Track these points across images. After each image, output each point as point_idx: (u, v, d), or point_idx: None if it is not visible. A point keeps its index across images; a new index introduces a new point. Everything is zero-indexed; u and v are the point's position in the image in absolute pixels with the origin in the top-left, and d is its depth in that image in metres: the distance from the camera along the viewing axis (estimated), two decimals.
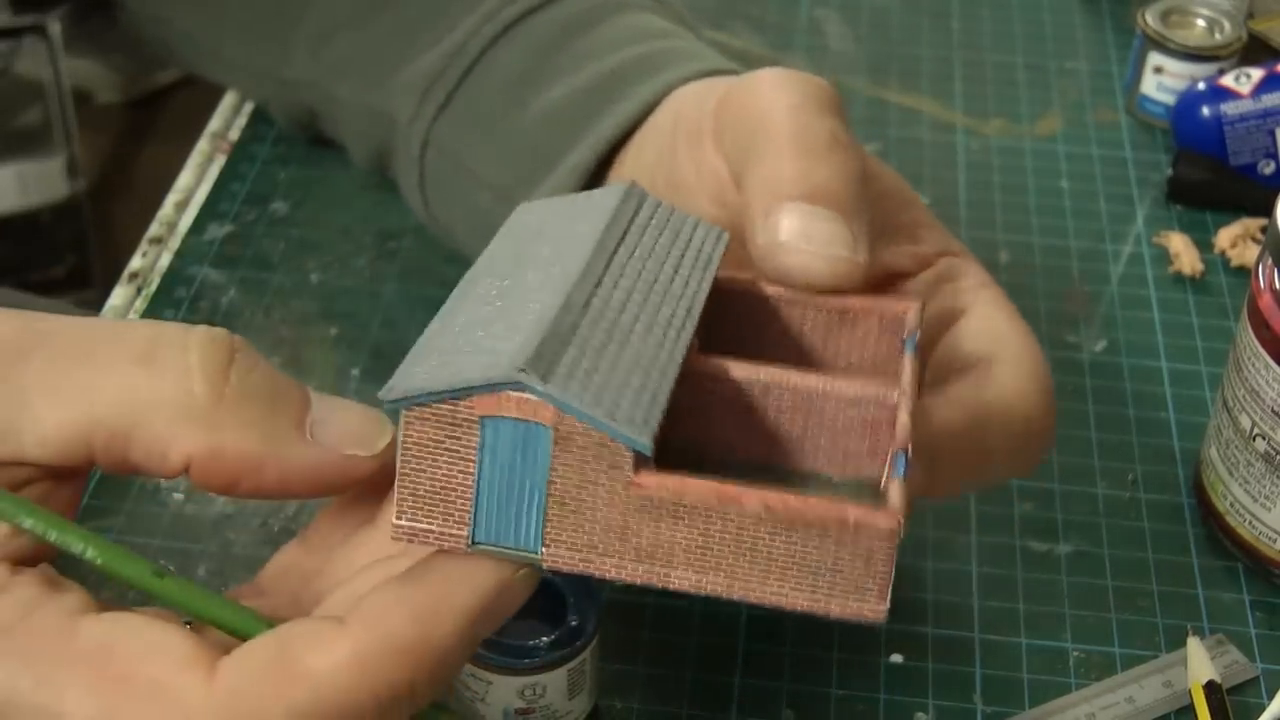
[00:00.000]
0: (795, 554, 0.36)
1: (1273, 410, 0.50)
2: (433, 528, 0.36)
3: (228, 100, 0.74)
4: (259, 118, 0.73)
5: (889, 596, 0.36)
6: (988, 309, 0.46)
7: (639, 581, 0.36)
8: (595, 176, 0.54)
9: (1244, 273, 0.66)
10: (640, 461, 0.35)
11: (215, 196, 0.69)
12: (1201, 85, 0.72)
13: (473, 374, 0.35)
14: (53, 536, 0.35)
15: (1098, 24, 0.84)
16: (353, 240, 0.67)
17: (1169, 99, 0.74)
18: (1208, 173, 0.71)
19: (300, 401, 0.37)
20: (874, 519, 0.35)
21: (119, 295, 0.64)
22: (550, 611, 0.46)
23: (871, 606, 0.36)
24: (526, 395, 0.35)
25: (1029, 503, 0.56)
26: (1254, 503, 0.52)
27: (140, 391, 0.35)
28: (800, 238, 0.42)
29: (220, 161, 0.71)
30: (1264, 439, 0.51)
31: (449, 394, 0.35)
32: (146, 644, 0.34)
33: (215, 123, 0.73)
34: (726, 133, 0.47)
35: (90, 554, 0.35)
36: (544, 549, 0.36)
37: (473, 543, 0.36)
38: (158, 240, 0.66)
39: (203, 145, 0.72)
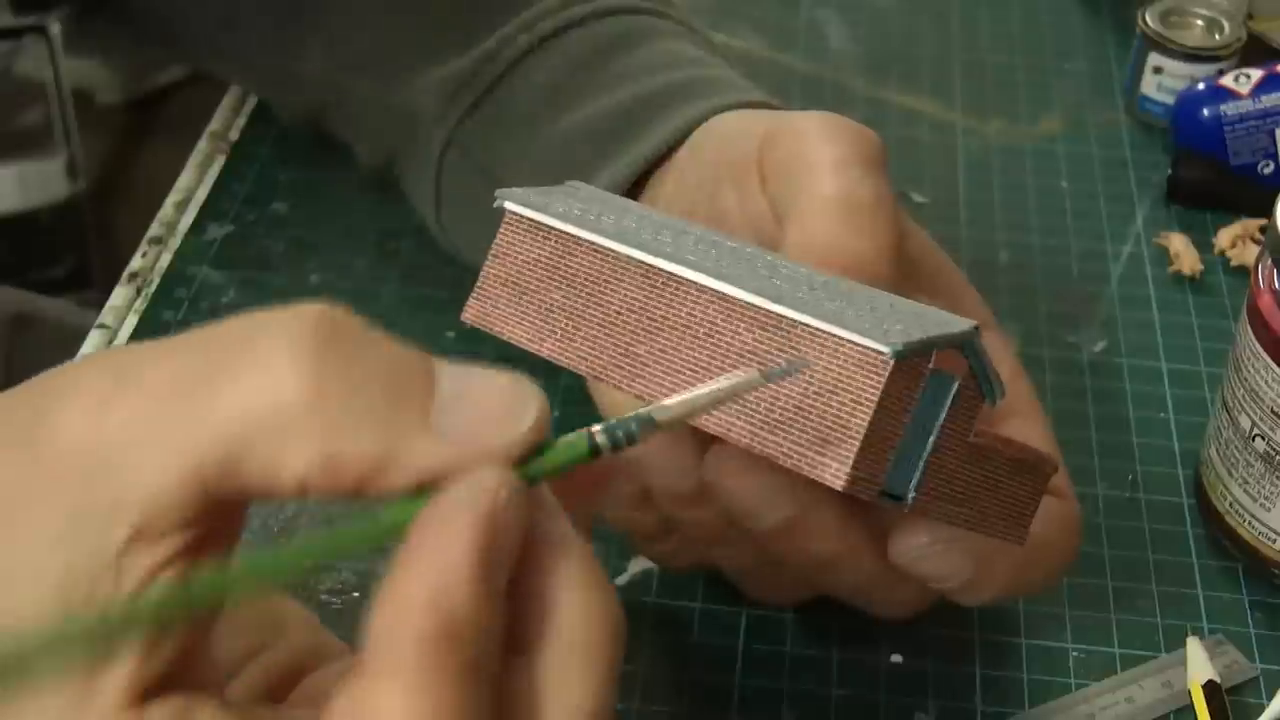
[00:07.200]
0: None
1: (1272, 410, 0.50)
2: (874, 474, 0.37)
3: (228, 100, 0.74)
4: (259, 118, 0.73)
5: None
6: (1027, 428, 0.47)
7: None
8: (626, 196, 0.54)
9: (1244, 273, 0.66)
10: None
11: (215, 197, 0.69)
12: (1201, 85, 0.72)
13: (938, 333, 0.37)
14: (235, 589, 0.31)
15: (1098, 24, 0.84)
16: (353, 241, 0.67)
17: (1169, 99, 0.74)
18: (1208, 173, 0.71)
19: (425, 382, 0.32)
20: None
21: (119, 295, 0.64)
22: None
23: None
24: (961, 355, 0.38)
25: None
26: (1253, 503, 0.52)
27: (237, 410, 0.30)
28: None
29: (220, 162, 0.71)
30: (1263, 439, 0.51)
31: (922, 348, 0.37)
32: None
33: (215, 123, 0.73)
34: (771, 177, 0.47)
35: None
36: (913, 494, 0.38)
37: (883, 493, 0.38)
38: (158, 240, 0.66)
39: (203, 145, 0.72)
